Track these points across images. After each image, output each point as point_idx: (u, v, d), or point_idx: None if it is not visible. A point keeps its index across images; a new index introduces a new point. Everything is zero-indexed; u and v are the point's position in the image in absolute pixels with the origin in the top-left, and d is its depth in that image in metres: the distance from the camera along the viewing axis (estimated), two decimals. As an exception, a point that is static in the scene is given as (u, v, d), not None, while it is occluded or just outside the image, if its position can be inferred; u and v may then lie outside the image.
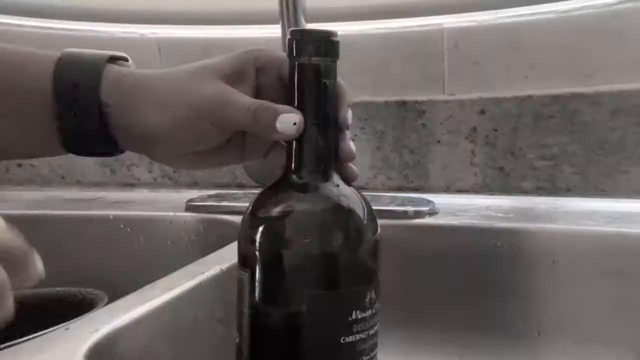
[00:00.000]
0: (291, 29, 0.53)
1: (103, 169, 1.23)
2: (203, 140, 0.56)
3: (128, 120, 0.55)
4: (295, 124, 0.52)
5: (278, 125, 0.51)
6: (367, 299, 0.51)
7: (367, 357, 0.51)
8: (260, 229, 0.52)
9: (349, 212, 0.53)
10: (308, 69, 0.52)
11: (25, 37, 1.23)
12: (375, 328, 0.52)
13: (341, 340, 0.50)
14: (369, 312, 0.51)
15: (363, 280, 0.52)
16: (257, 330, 0.53)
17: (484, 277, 0.86)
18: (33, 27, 1.23)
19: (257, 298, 0.52)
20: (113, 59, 0.57)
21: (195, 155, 0.58)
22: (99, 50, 0.57)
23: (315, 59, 0.52)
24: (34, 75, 0.55)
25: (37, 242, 1.09)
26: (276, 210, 0.52)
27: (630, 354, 0.80)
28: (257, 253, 0.52)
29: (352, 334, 0.50)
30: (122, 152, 0.58)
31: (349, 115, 0.54)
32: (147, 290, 0.68)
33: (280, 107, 0.53)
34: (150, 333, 0.64)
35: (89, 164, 1.20)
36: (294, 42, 0.52)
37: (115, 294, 0.73)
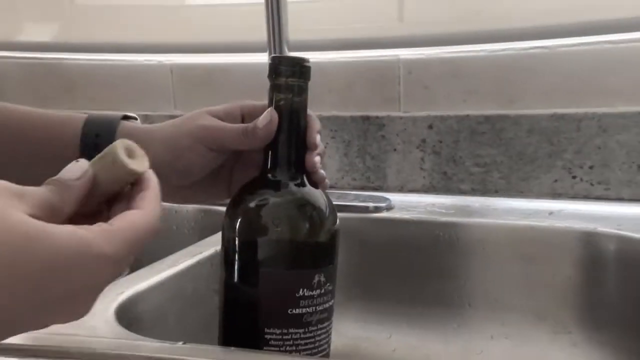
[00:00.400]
0: (272, 55, 0.56)
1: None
2: (198, 165, 0.57)
3: None
4: (269, 117, 0.54)
5: (259, 125, 0.53)
6: (315, 281, 0.52)
7: (315, 328, 0.53)
8: (235, 216, 0.54)
9: (307, 207, 0.54)
10: (284, 88, 0.54)
11: (73, 67, 1.26)
12: (325, 305, 0.54)
13: (289, 312, 0.52)
14: (316, 292, 0.52)
15: (311, 264, 0.54)
16: (226, 299, 0.55)
17: (428, 261, 0.89)
18: (81, 59, 1.26)
19: (227, 274, 0.55)
20: (126, 117, 0.60)
21: (188, 190, 0.59)
22: (115, 112, 0.60)
23: (290, 80, 0.54)
24: (67, 129, 0.58)
25: None
26: (249, 202, 0.55)
27: (533, 318, 0.84)
28: (228, 235, 0.55)
29: (299, 307, 0.52)
30: None
31: (317, 138, 0.55)
32: (157, 265, 0.73)
33: (256, 121, 0.55)
34: (160, 298, 0.69)
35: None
36: (274, 66, 0.54)
37: (133, 266, 0.72)
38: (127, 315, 0.61)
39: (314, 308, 0.53)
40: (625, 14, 0.96)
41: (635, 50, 0.96)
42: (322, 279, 0.53)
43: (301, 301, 0.52)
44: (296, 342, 0.52)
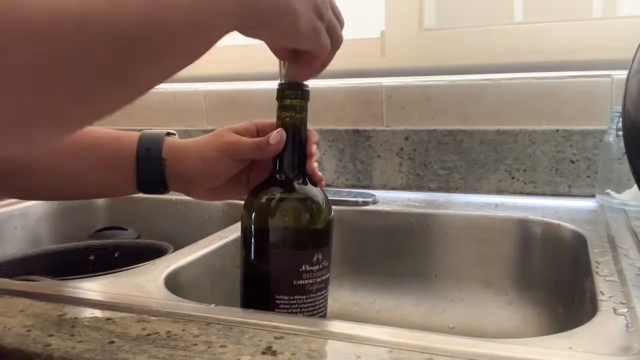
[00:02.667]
0: (279, 82, 0.53)
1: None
2: (224, 172, 0.58)
3: (177, 168, 0.58)
4: (279, 136, 0.54)
5: (271, 142, 0.53)
6: (315, 259, 0.53)
7: (315, 295, 0.53)
8: (251, 208, 0.54)
9: (308, 201, 0.55)
10: (288, 107, 0.54)
11: None
12: (323, 278, 0.54)
13: (294, 282, 0.52)
14: (316, 267, 0.53)
15: (312, 246, 0.54)
16: (245, 273, 0.56)
17: (404, 243, 0.89)
18: None
19: (245, 253, 0.55)
20: (168, 134, 0.60)
21: (216, 190, 0.59)
22: (160, 130, 0.61)
23: (294, 101, 0.54)
24: (127, 144, 0.59)
25: (136, 212, 1.08)
26: (262, 197, 0.55)
27: (482, 285, 0.85)
28: (246, 223, 0.55)
29: (302, 279, 0.52)
30: (168, 191, 0.60)
31: (314, 148, 0.55)
32: (194, 246, 0.73)
33: (268, 136, 0.55)
34: (197, 271, 0.69)
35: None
36: (280, 91, 0.54)
37: (176, 246, 0.76)
38: (173, 283, 0.62)
39: (313, 280, 0.53)
40: (546, 58, 0.98)
41: (553, 85, 0.97)
42: (320, 257, 0.53)
43: (304, 274, 0.53)
44: (300, 306, 0.53)
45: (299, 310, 0.53)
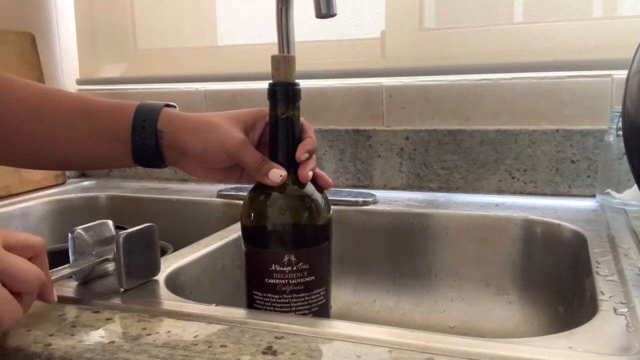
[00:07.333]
0: (270, 81, 0.53)
1: (171, 169, 1.21)
2: (219, 162, 0.57)
3: (173, 141, 0.57)
4: (280, 176, 0.53)
5: (270, 176, 0.53)
6: (285, 260, 0.52)
7: (289, 296, 0.53)
8: (245, 207, 0.55)
9: (279, 202, 0.54)
10: (279, 106, 0.54)
11: (135, 95, 1.28)
12: (300, 280, 0.53)
13: (265, 280, 0.53)
14: (287, 268, 0.52)
15: (282, 246, 0.53)
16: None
17: (405, 243, 0.89)
18: (141, 88, 1.28)
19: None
20: (168, 106, 0.59)
21: (209, 171, 0.59)
22: (160, 102, 0.59)
23: (284, 101, 0.53)
24: (124, 115, 0.58)
25: (136, 212, 1.07)
26: (247, 195, 0.56)
27: (482, 284, 0.86)
28: (243, 222, 0.55)
29: (273, 278, 0.52)
30: (166, 166, 0.60)
31: (304, 155, 0.54)
32: (194, 245, 0.73)
33: (273, 164, 0.54)
34: (197, 271, 0.69)
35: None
36: (271, 90, 0.54)
37: (176, 247, 0.76)
38: (173, 283, 0.62)
39: (286, 281, 0.53)
40: (545, 58, 0.98)
41: (553, 85, 0.97)
42: (293, 258, 0.53)
43: (274, 274, 0.52)
44: (273, 304, 0.53)
45: (272, 308, 0.53)
